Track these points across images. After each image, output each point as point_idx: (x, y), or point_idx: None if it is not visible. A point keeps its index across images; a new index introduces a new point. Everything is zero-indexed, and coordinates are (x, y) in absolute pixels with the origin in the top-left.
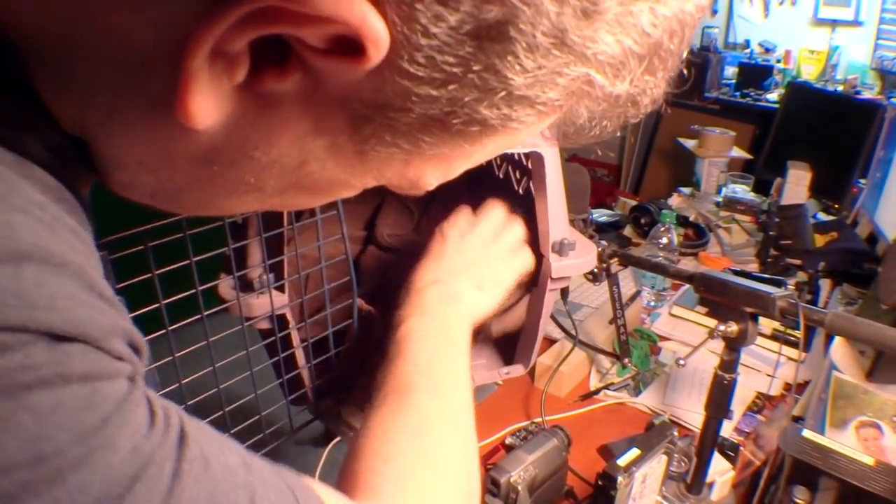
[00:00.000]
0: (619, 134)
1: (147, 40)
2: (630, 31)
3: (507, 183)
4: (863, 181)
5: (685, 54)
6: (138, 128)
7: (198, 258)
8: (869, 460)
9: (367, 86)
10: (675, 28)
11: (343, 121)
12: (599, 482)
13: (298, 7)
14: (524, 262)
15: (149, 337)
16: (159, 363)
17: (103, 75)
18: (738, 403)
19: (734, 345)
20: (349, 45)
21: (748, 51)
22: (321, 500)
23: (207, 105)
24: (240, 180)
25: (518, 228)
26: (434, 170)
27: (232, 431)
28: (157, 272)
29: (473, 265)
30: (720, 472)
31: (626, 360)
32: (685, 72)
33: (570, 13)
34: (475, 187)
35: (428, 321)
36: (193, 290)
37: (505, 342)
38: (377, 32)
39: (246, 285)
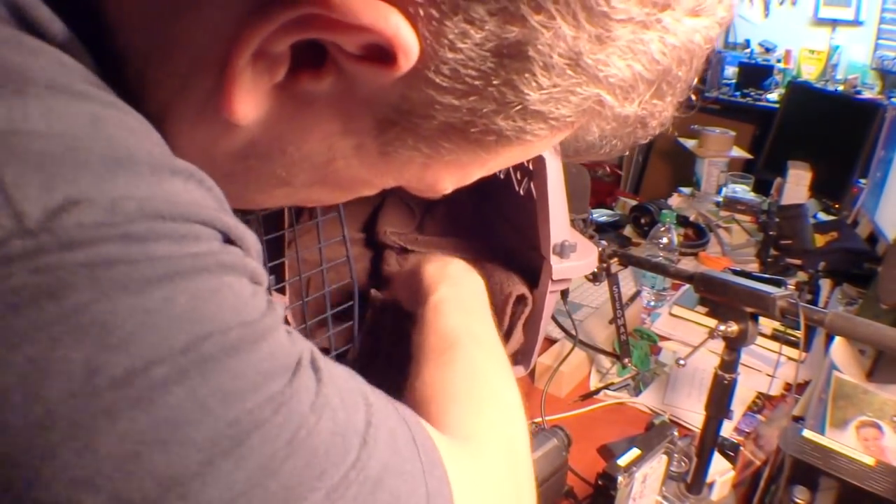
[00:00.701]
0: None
1: (205, 43)
2: (640, 58)
3: (509, 184)
4: (863, 181)
5: (694, 81)
6: (185, 125)
7: None
8: (869, 460)
9: (394, 91)
10: (683, 57)
11: (370, 123)
12: (599, 482)
13: (339, 16)
14: None
15: None
16: None
17: (164, 77)
18: (739, 403)
19: (734, 345)
20: (382, 53)
21: (748, 50)
22: (430, 437)
23: (249, 102)
24: (272, 174)
25: None
26: (451, 175)
27: None
28: None
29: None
30: (720, 472)
31: (626, 360)
32: (693, 97)
33: (585, 38)
34: (476, 188)
35: (458, 290)
36: None
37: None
38: (409, 44)
39: None
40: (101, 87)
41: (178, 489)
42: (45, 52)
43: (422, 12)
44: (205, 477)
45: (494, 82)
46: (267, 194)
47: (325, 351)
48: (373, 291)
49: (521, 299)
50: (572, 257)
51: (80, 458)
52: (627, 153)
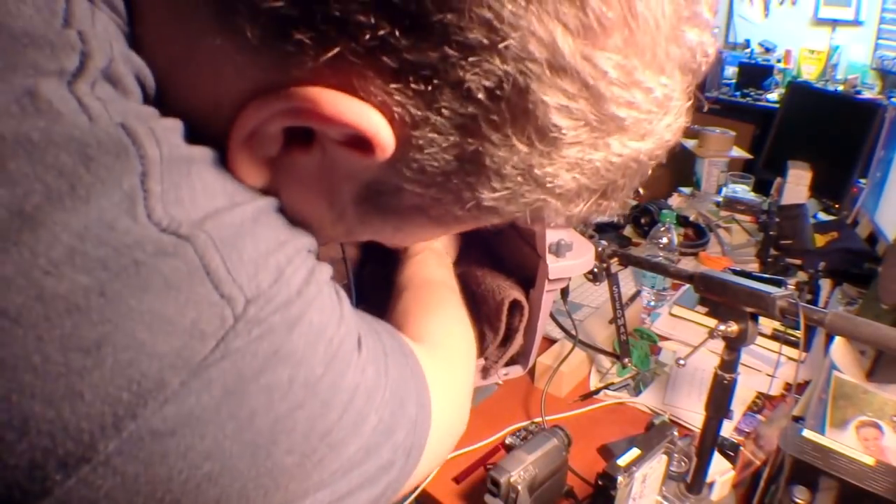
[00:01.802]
0: None
1: (212, 110)
2: (586, 172)
3: None
4: (863, 181)
5: (638, 184)
6: None
7: None
8: (869, 460)
9: (370, 174)
10: (628, 169)
11: (349, 196)
12: (599, 482)
13: (327, 112)
14: None
15: None
16: None
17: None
18: (738, 403)
19: (734, 345)
20: (362, 143)
21: (748, 50)
22: (408, 343)
23: (250, 171)
24: None
25: None
26: (416, 238)
27: None
28: None
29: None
30: (720, 472)
31: (626, 360)
32: (699, 98)
33: (536, 154)
34: None
35: (437, 256)
36: None
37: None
38: (386, 140)
39: None
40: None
41: (327, 438)
42: (176, 126)
43: (398, 117)
44: (338, 426)
45: (454, 181)
46: None
47: None
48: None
49: (516, 305)
50: (568, 256)
51: (290, 433)
52: None
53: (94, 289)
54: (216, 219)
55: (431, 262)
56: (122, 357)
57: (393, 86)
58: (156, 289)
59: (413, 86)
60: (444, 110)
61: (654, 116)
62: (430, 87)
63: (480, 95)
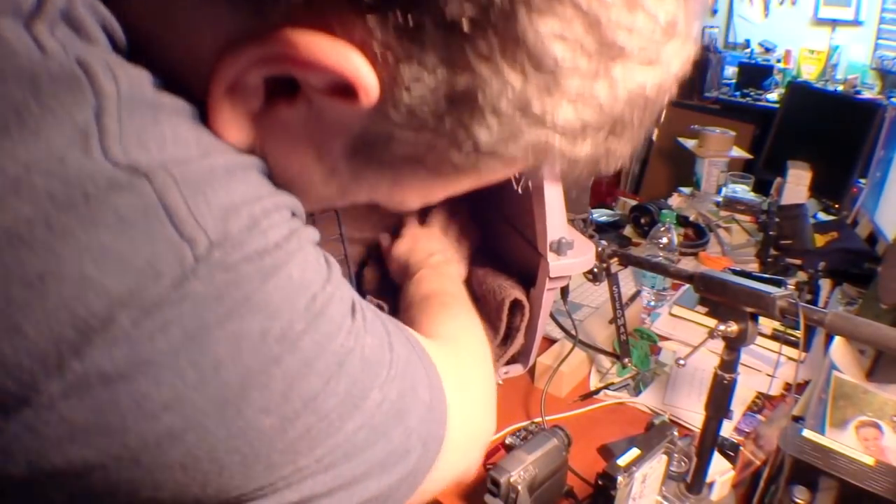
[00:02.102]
0: None
1: (193, 67)
2: (589, 104)
3: (507, 181)
4: (863, 181)
5: (653, 126)
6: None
7: None
8: (869, 460)
9: (358, 123)
10: (635, 103)
11: (339, 150)
12: (599, 482)
13: (305, 56)
14: None
15: None
16: None
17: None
18: (738, 403)
19: (734, 345)
20: (346, 89)
21: (748, 50)
22: (416, 336)
23: (232, 127)
24: None
25: None
26: (415, 195)
27: None
28: None
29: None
30: (720, 471)
31: (626, 360)
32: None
33: (533, 87)
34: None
35: (441, 271)
36: None
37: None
38: (369, 83)
39: None
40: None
41: (312, 404)
42: (142, 74)
43: (380, 56)
44: (325, 392)
45: (447, 122)
46: None
47: None
48: (368, 297)
49: (517, 304)
50: (569, 254)
51: (264, 390)
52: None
53: (39, 220)
54: (184, 165)
55: (434, 277)
56: (67, 292)
57: (372, 22)
58: (107, 223)
59: (392, 20)
60: (427, 44)
61: (659, 42)
62: (410, 20)
63: (464, 25)
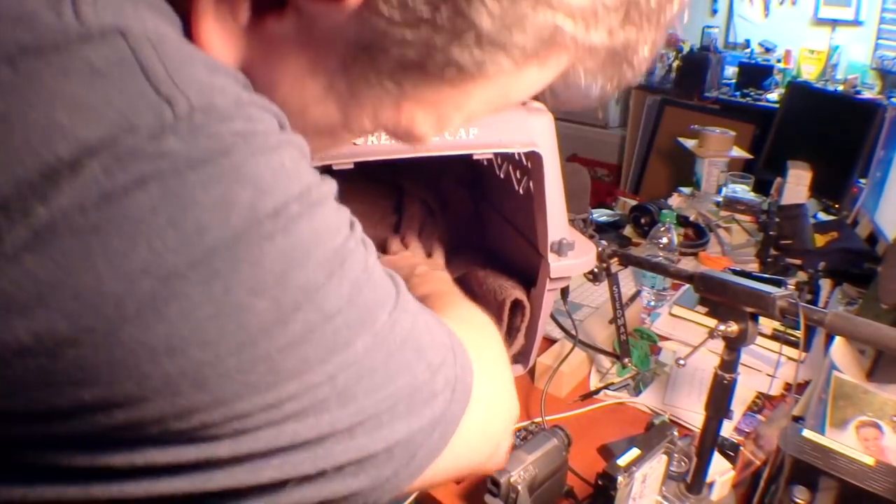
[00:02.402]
0: (616, 101)
1: None
2: None
3: (509, 183)
4: (863, 181)
5: (676, 23)
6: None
7: None
8: (869, 460)
9: (350, 28)
10: None
11: (334, 61)
12: (599, 482)
13: None
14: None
15: None
16: None
17: None
18: (738, 403)
19: (734, 345)
20: None
21: (748, 50)
22: (465, 350)
23: (219, 41)
24: None
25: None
26: (425, 115)
27: None
28: None
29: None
30: (720, 472)
31: (626, 360)
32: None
33: None
34: (478, 187)
35: (428, 277)
36: None
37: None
38: None
39: None
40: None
41: (314, 296)
42: None
43: None
44: (327, 287)
45: (443, 12)
46: None
47: None
48: None
49: (517, 304)
50: (570, 255)
51: (255, 267)
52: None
53: (5, 63)
54: (164, 40)
55: (424, 283)
56: (34, 136)
57: None
58: (78, 73)
59: None
60: None
61: None
62: None
63: None
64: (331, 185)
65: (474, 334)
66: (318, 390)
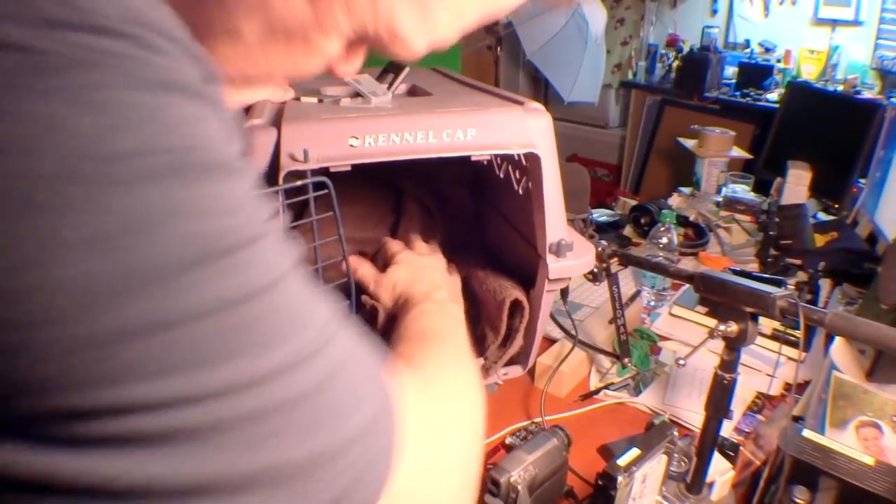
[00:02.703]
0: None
1: None
2: None
3: (508, 183)
4: (863, 181)
5: None
6: None
7: None
8: (869, 460)
9: None
10: None
11: None
12: (599, 482)
13: None
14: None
15: None
16: None
17: None
18: (738, 403)
19: (734, 345)
20: None
21: (748, 50)
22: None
23: None
24: (213, 17)
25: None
26: (407, 10)
27: None
28: None
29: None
30: (720, 471)
31: (626, 360)
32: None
33: None
34: (478, 187)
35: (439, 307)
36: None
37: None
38: None
39: None
40: None
41: (160, 281)
42: None
43: None
44: (184, 279)
45: None
46: (221, 46)
47: None
48: (363, 297)
49: (517, 304)
50: (569, 256)
51: (89, 217)
52: (627, 154)
53: None
54: None
55: (437, 315)
56: None
57: None
58: None
59: None
60: None
61: None
62: None
63: None
64: (250, 173)
65: (442, 396)
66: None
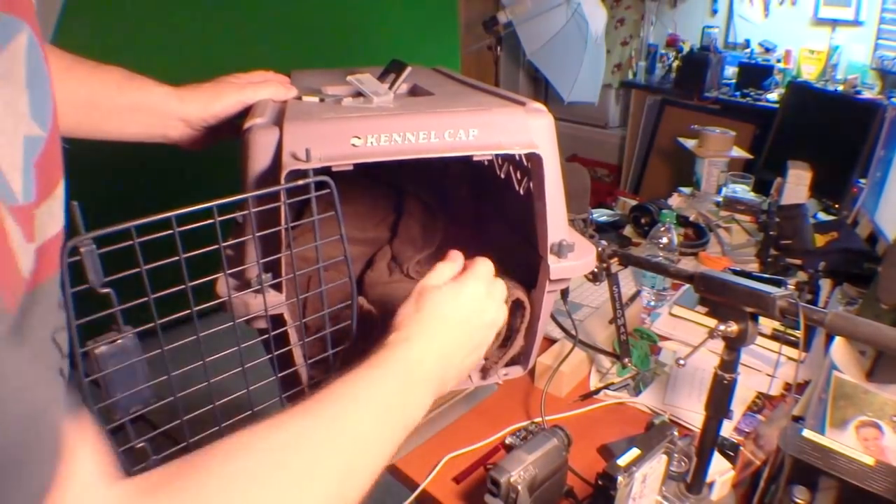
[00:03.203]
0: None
1: None
2: None
3: (509, 184)
4: (863, 181)
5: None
6: None
7: (188, 255)
8: (869, 460)
9: None
10: None
11: None
12: (599, 482)
13: None
14: (487, 342)
15: (139, 329)
16: (149, 355)
17: None
18: (738, 403)
19: (734, 345)
20: None
21: (748, 50)
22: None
23: None
24: None
25: (501, 288)
26: None
27: (223, 425)
28: (146, 267)
29: (444, 346)
30: (720, 471)
31: (626, 360)
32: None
33: None
34: (478, 187)
35: (409, 346)
36: (183, 287)
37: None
38: None
39: (245, 284)
40: None
41: None
42: None
43: None
44: None
45: None
46: None
47: (322, 349)
48: (360, 300)
49: (518, 304)
50: (570, 257)
51: None
52: (627, 154)
53: None
54: None
55: (389, 358)
56: None
57: None
58: None
59: None
60: None
61: None
62: None
63: None
64: None
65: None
66: None
